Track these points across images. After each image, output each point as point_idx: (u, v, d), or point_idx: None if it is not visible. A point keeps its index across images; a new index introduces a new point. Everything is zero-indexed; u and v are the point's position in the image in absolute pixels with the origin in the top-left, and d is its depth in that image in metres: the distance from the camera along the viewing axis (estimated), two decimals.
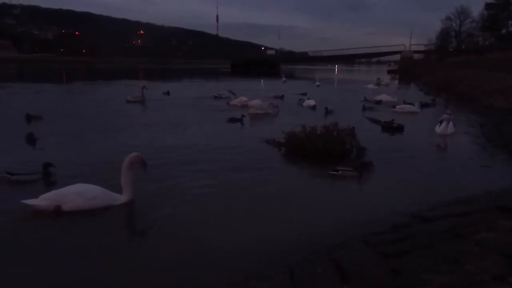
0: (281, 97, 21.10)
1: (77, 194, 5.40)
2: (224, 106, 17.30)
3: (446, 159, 8.89)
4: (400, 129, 11.97)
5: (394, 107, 16.88)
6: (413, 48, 71.98)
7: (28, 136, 9.51)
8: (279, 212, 5.65)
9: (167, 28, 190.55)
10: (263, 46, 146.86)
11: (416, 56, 69.55)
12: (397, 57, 74.20)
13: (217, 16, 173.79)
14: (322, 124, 8.95)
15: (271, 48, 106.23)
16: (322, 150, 8.12)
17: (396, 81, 46.12)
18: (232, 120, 13.17)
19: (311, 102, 17.68)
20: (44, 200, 5.30)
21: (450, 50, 71.34)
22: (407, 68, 57.56)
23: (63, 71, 36.00)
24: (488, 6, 70.80)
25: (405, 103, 17.36)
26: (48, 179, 6.62)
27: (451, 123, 11.37)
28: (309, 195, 6.39)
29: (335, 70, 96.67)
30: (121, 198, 5.70)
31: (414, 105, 16.84)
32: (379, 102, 19.68)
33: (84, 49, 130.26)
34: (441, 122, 11.48)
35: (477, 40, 76.09)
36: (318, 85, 33.37)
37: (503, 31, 69.62)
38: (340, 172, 7.13)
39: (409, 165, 8.09)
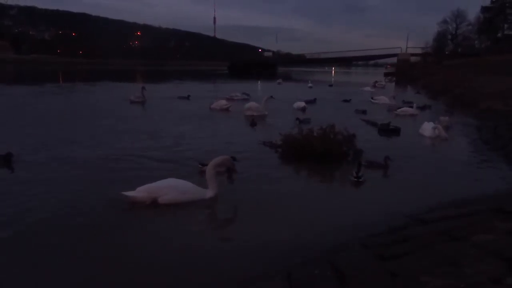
0: (314, 101, 20.95)
1: (171, 188, 5.75)
2: (236, 108, 16.88)
3: (443, 161, 8.91)
4: (396, 131, 12.00)
5: (396, 109, 16.90)
6: (410, 51, 72.19)
7: (5, 156, 7.75)
8: (276, 214, 5.64)
9: (164, 29, 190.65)
10: (261, 48, 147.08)
11: (412, 59, 69.69)
12: (394, 59, 74.34)
13: (214, 18, 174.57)
14: (319, 126, 8.95)
15: (269, 50, 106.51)
16: (320, 153, 8.13)
17: (393, 84, 46.25)
18: (253, 124, 13.30)
19: (301, 104, 17.59)
20: (141, 192, 5.64)
21: (447, 53, 71.63)
22: (404, 71, 57.69)
23: (60, 72, 35.97)
24: (484, 9, 71.27)
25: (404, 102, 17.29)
26: (230, 174, 7.12)
27: (437, 128, 11.30)
28: (306, 197, 6.40)
29: (332, 73, 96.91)
30: (208, 193, 5.98)
31: (412, 107, 16.89)
32: (394, 108, 18.22)
33: (81, 50, 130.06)
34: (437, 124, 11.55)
35: (474, 43, 76.52)
36: (310, 87, 33.46)
37: (499, 34, 70.07)
38: (362, 178, 7.05)
39: (406, 167, 8.10)
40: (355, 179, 6.97)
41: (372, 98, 21.96)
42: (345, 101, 21.66)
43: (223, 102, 17.12)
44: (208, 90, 29.49)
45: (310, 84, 34.70)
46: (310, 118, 13.67)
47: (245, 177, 7.12)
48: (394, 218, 5.09)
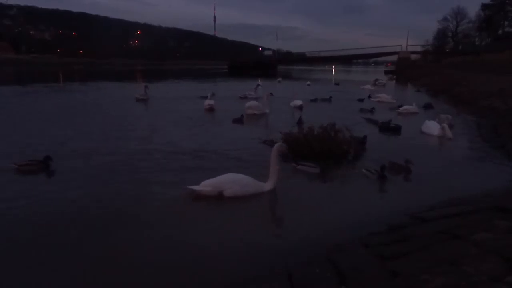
0: (329, 99, 20.80)
1: (234, 182, 6.08)
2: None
3: (443, 160, 8.90)
4: (397, 129, 11.98)
5: (398, 107, 16.84)
6: (410, 48, 72.12)
7: (44, 160, 7.48)
8: (276, 213, 5.65)
9: (164, 29, 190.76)
10: (261, 47, 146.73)
11: (413, 56, 69.60)
12: (394, 57, 74.27)
13: (214, 17, 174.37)
14: (319, 124, 8.95)
15: (269, 49, 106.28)
16: (320, 152, 8.11)
17: (393, 82, 46.17)
18: (236, 120, 13.48)
19: (298, 102, 17.48)
20: (207, 186, 6.00)
21: (447, 50, 71.61)
22: (404, 69, 57.67)
23: (61, 72, 36.18)
24: (484, 6, 71.27)
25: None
26: (324, 173, 7.38)
27: (443, 128, 11.23)
28: (306, 197, 6.39)
29: (332, 71, 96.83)
30: (267, 186, 6.26)
31: (412, 105, 16.84)
32: (395, 106, 17.93)
33: (81, 50, 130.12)
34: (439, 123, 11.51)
35: (474, 40, 76.54)
36: (308, 85, 33.70)
37: (499, 32, 70.06)
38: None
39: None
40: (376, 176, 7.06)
41: (369, 97, 21.85)
42: (360, 100, 20.79)
43: (206, 102, 17.03)
44: (208, 90, 29.46)
45: (308, 82, 35.07)
46: (303, 118, 13.12)
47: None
48: (394, 217, 5.09)
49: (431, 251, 3.70)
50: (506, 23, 70.25)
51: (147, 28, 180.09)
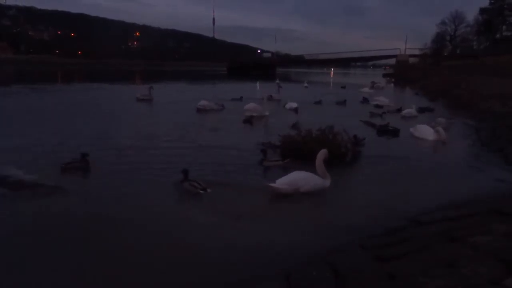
0: (344, 102, 20.79)
1: (306, 179, 6.44)
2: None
3: (441, 163, 8.92)
4: (395, 132, 12.00)
5: (397, 111, 16.82)
6: (408, 52, 72.08)
7: (82, 158, 7.35)
8: (275, 215, 5.66)
9: (163, 30, 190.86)
10: (260, 49, 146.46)
11: (411, 60, 69.59)
12: (392, 61, 74.28)
13: (213, 19, 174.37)
14: (317, 127, 8.96)
15: (267, 51, 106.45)
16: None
17: (392, 85, 46.12)
18: (246, 121, 13.78)
19: (293, 105, 17.37)
20: (284, 184, 6.28)
21: (445, 54, 71.76)
22: (403, 72, 57.70)
23: (59, 73, 36.28)
24: (482, 10, 71.53)
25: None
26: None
27: (438, 131, 11.19)
28: (304, 198, 6.39)
29: (331, 74, 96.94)
30: (327, 183, 6.60)
31: (412, 108, 16.84)
32: (398, 110, 17.66)
33: (80, 50, 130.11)
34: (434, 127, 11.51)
35: (472, 44, 76.76)
36: (306, 87, 33.77)
37: (497, 36, 70.27)
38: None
39: (404, 168, 8.12)
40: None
41: (363, 98, 21.76)
42: (377, 106, 20.13)
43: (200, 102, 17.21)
44: (208, 91, 29.56)
45: (306, 84, 35.12)
46: (299, 121, 13.01)
47: (242, 178, 7.13)
48: (392, 220, 5.10)
49: (430, 253, 3.72)
50: (504, 27, 70.48)
51: (146, 29, 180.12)
